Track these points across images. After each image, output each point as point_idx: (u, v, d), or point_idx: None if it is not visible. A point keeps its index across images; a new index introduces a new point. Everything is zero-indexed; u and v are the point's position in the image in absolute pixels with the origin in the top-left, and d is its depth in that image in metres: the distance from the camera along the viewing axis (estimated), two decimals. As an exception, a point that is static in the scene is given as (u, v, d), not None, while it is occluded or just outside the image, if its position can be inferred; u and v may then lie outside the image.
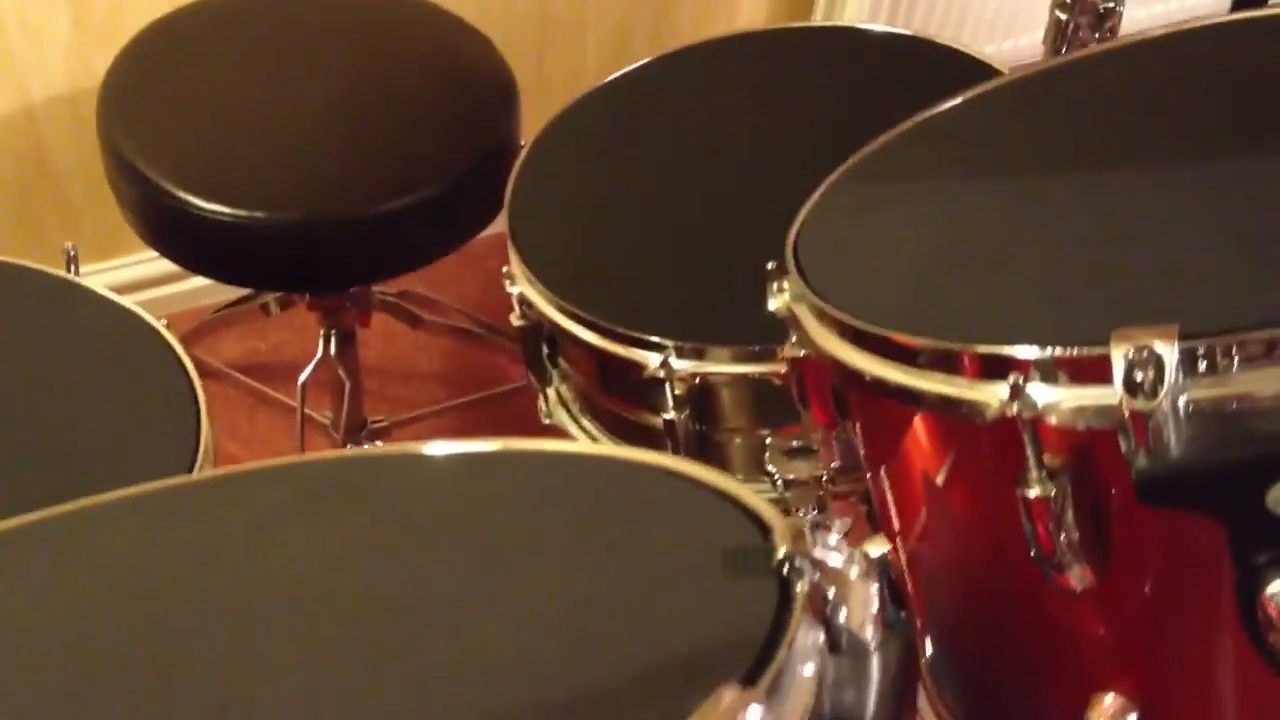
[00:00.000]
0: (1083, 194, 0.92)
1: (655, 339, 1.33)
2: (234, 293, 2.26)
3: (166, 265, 2.29)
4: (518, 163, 1.54)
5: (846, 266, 0.96)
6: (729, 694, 0.51)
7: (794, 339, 0.99)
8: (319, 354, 1.93)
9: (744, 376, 1.34)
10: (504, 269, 1.47)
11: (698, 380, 1.33)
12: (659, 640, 0.58)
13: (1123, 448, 0.75)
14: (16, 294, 1.45)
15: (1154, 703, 0.85)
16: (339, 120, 1.67)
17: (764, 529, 0.66)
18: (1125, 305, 0.79)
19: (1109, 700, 0.86)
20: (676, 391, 1.33)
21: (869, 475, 1.05)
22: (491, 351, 2.25)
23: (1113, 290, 0.81)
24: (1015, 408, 0.78)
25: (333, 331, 1.93)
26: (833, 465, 1.34)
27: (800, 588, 0.61)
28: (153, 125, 1.67)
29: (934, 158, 1.03)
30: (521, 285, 1.44)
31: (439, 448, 0.81)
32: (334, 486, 0.81)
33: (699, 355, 1.33)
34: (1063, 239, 0.89)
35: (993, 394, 0.80)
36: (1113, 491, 0.79)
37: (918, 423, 0.90)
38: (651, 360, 1.32)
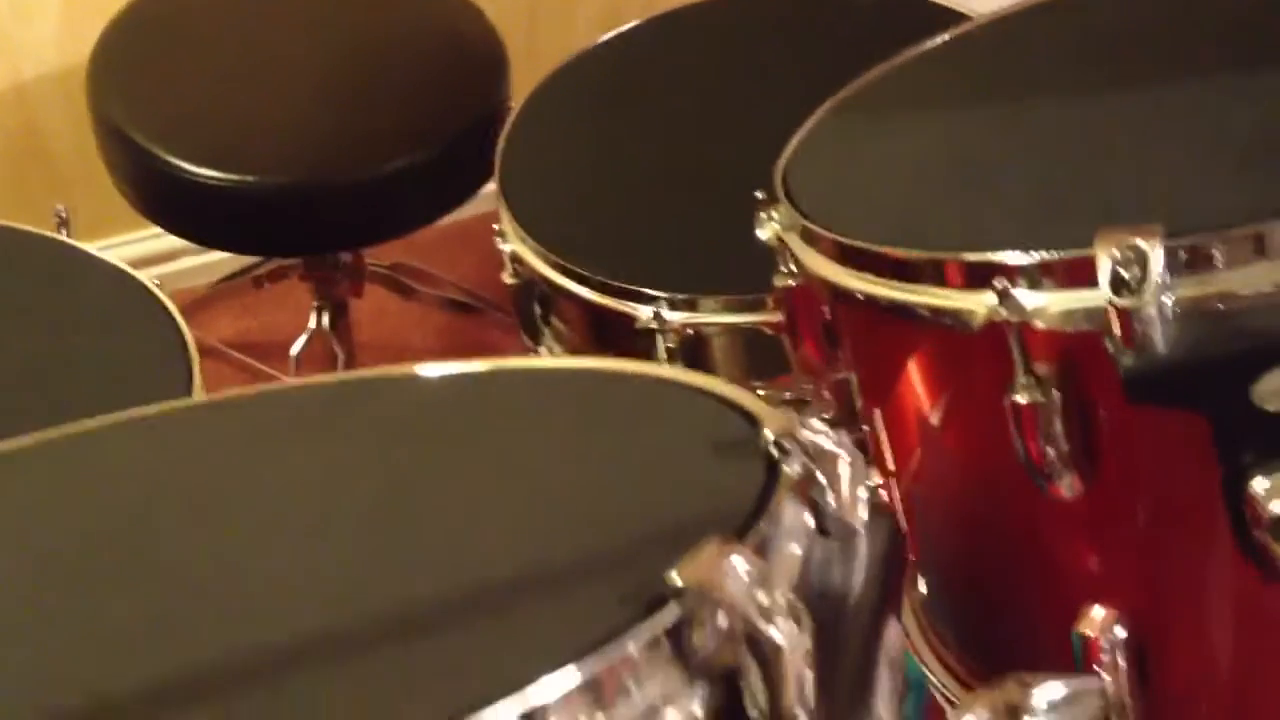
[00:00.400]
0: (1071, 116, 0.93)
1: (647, 290, 1.33)
2: (227, 270, 2.26)
3: (158, 244, 2.30)
4: (508, 122, 1.54)
5: (835, 191, 0.97)
6: (712, 545, 0.52)
7: (783, 269, 1.00)
8: (311, 326, 1.94)
9: (736, 327, 1.34)
10: (495, 226, 1.48)
11: (690, 332, 1.34)
12: (648, 515, 0.59)
13: (1109, 349, 0.76)
14: (6, 255, 1.45)
15: (1143, 613, 0.86)
16: (330, 86, 1.67)
17: (754, 422, 0.67)
18: (1112, 211, 0.79)
19: (1097, 612, 0.86)
20: (669, 344, 1.34)
21: (862, 414, 1.05)
22: (485, 326, 2.26)
23: (1099, 199, 0.82)
24: (1003, 313, 0.78)
25: (325, 304, 1.94)
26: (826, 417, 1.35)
27: (787, 468, 0.62)
28: (143, 92, 1.68)
29: (922, 89, 1.04)
30: (513, 243, 1.44)
31: (432, 369, 0.81)
32: (330, 403, 0.81)
33: (691, 306, 1.33)
34: (1051, 157, 0.89)
35: (981, 302, 0.80)
36: (1100, 397, 0.80)
37: (908, 342, 0.91)
38: (643, 312, 1.33)
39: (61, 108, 2.14)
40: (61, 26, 2.09)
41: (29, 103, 2.15)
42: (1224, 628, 0.85)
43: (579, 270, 1.38)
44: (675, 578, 0.51)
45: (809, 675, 0.51)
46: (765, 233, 0.99)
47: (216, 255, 2.29)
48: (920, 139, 0.98)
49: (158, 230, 2.17)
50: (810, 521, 0.63)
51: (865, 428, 1.06)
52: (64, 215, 1.51)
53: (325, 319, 1.94)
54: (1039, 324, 0.79)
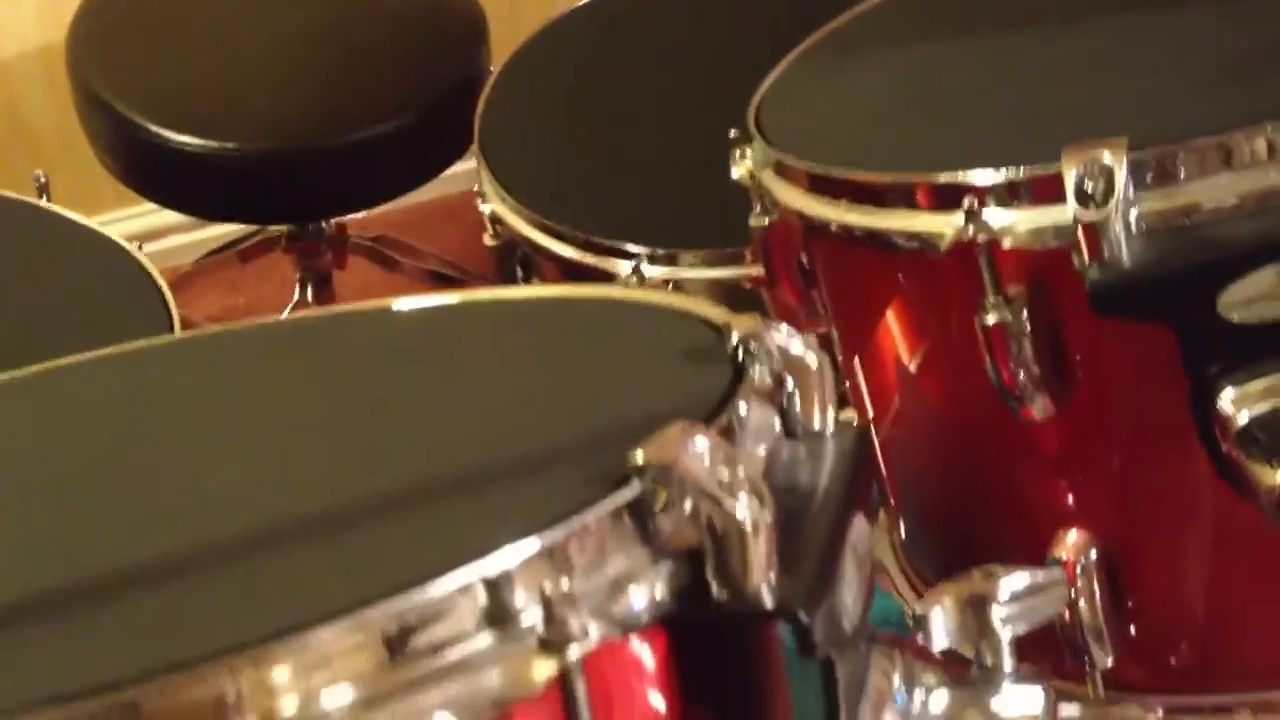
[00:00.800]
0: (1039, 49, 0.94)
1: (626, 246, 1.34)
2: (210, 247, 2.26)
3: (140, 223, 2.30)
4: (488, 84, 1.55)
5: (807, 127, 0.97)
6: (676, 427, 0.52)
7: (758, 209, 1.00)
8: (295, 298, 1.94)
9: (716, 281, 1.34)
10: (475, 188, 1.48)
11: (670, 287, 1.34)
12: (615, 412, 0.59)
13: (1076, 264, 0.76)
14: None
15: (1116, 535, 0.86)
16: (310, 52, 1.68)
17: (722, 332, 0.67)
18: (1079, 131, 0.80)
19: (1071, 535, 0.87)
20: (649, 299, 1.34)
21: (843, 368, 1.06)
22: (469, 300, 2.26)
23: (1067, 121, 0.83)
24: (971, 231, 0.79)
25: (309, 276, 1.94)
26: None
27: (754, 370, 0.62)
28: (123, 61, 1.68)
29: (892, 30, 1.05)
30: (493, 203, 1.45)
31: (405, 302, 0.82)
32: (305, 331, 0.82)
33: (671, 261, 1.33)
34: (1020, 86, 0.90)
35: (950, 223, 0.81)
36: (1069, 315, 0.81)
37: (881, 273, 0.91)
38: (623, 268, 1.33)
39: (42, 86, 2.14)
40: (42, 3, 2.09)
41: (10, 81, 2.15)
42: (1197, 546, 0.86)
43: (558, 228, 1.38)
44: (638, 456, 0.51)
45: (771, 553, 0.52)
46: (739, 171, 1.00)
47: (199, 234, 2.29)
48: (890, 76, 0.99)
49: (140, 209, 2.17)
50: (777, 423, 0.63)
51: (848, 383, 1.07)
52: (43, 181, 1.51)
53: (309, 291, 1.94)
54: (1007, 242, 0.79)
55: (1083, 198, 0.75)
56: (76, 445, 0.68)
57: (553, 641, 0.46)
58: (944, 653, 0.62)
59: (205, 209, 1.71)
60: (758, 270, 1.08)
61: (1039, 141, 0.82)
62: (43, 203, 1.48)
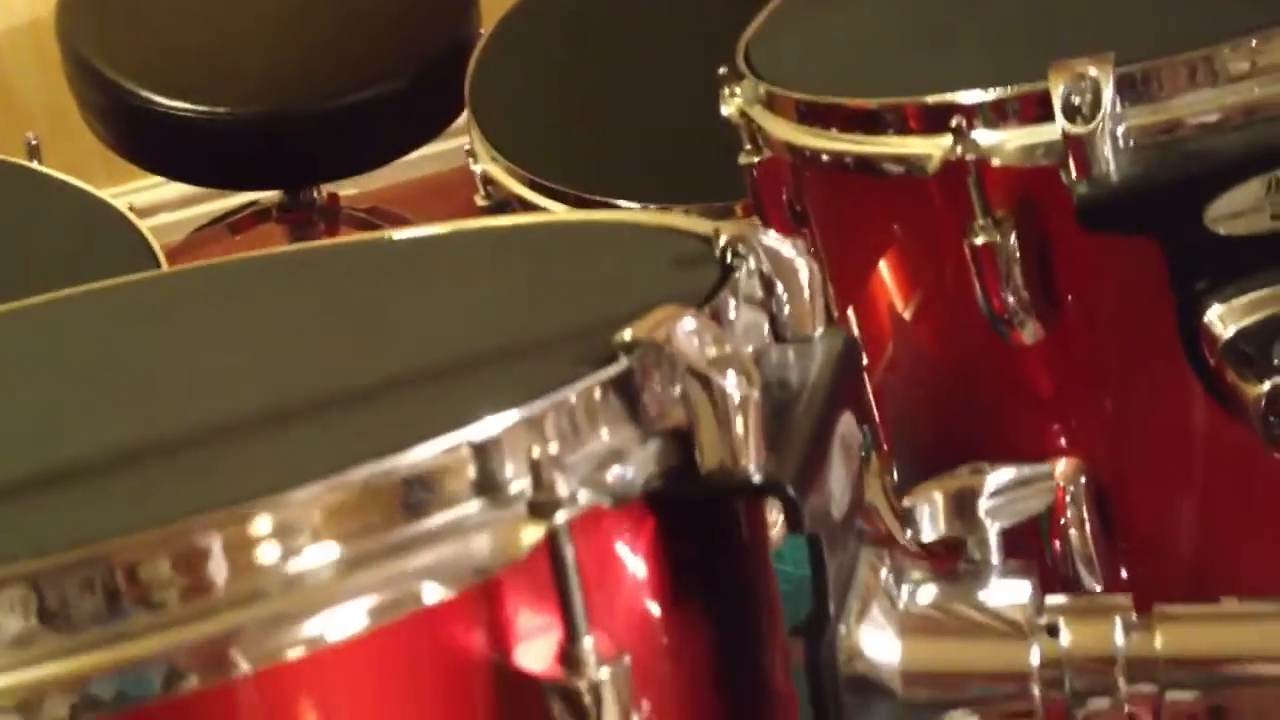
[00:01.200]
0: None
1: (619, 203, 1.34)
2: (201, 223, 2.26)
3: (130, 200, 2.30)
4: (479, 45, 1.55)
5: (796, 60, 0.98)
6: (664, 308, 0.52)
7: (748, 147, 1.00)
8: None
9: (706, 236, 1.35)
10: (465, 147, 1.48)
11: (660, 242, 1.34)
12: (604, 308, 0.59)
13: (1064, 179, 0.77)
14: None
15: (1106, 461, 0.87)
16: (301, 15, 1.68)
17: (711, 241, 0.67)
18: (1064, 51, 0.80)
19: (1061, 464, 0.87)
20: (640, 255, 1.34)
21: (834, 306, 1.06)
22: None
23: (1053, 43, 0.83)
24: (959, 150, 0.79)
25: (301, 247, 1.94)
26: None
27: (742, 270, 0.62)
28: (113, 27, 1.68)
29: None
30: (484, 163, 1.45)
31: (400, 233, 0.82)
32: (297, 257, 0.83)
33: (662, 216, 1.34)
34: (1006, 13, 0.90)
35: (939, 145, 0.81)
36: (1058, 236, 0.81)
37: (872, 203, 0.91)
38: (614, 224, 1.33)
39: (32, 61, 2.14)
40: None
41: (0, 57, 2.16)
42: (1187, 471, 0.86)
43: (550, 185, 1.39)
44: (626, 334, 0.52)
45: (759, 431, 0.52)
46: (729, 109, 1.00)
47: (190, 211, 2.29)
48: (878, 10, 0.99)
49: (130, 185, 2.17)
50: (766, 327, 0.63)
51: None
52: (34, 143, 1.51)
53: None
54: (996, 161, 0.79)
55: (1070, 113, 0.75)
56: (72, 348, 0.68)
57: (540, 505, 0.46)
58: (932, 553, 0.62)
59: (198, 175, 1.71)
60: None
61: (1026, 61, 0.82)
62: (35, 165, 1.49)
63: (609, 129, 1.46)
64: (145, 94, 1.60)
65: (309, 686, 0.44)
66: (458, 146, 1.82)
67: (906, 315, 0.97)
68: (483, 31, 1.58)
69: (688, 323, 0.52)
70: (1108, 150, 0.75)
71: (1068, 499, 0.88)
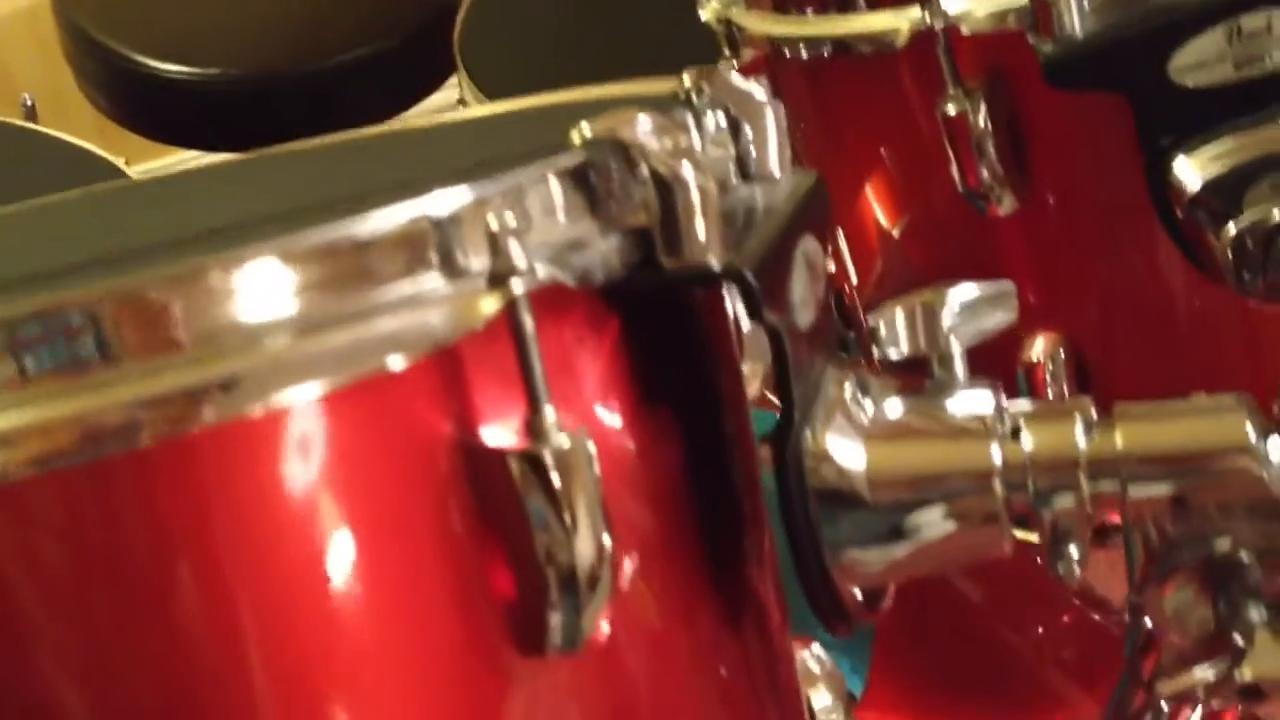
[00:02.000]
0: None
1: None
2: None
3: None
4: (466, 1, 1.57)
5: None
6: (623, 109, 0.53)
7: (726, 53, 1.01)
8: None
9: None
10: (456, 99, 1.50)
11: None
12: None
13: (1030, 40, 0.78)
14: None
15: (1085, 332, 0.87)
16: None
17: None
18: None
19: (1039, 340, 0.88)
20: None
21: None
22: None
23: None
24: (928, 19, 0.80)
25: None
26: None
27: (708, 115, 0.63)
28: (108, -5, 1.70)
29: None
30: (475, 111, 1.46)
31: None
32: (268, 156, 0.84)
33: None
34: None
35: (909, 16, 0.82)
36: (1027, 101, 0.82)
37: (849, 92, 0.93)
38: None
39: (29, 44, 2.16)
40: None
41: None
42: (1166, 339, 0.87)
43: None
44: (585, 129, 0.52)
45: (718, 223, 0.52)
46: (706, 13, 1.01)
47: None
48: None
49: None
50: (732, 168, 0.64)
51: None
52: (29, 103, 1.53)
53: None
54: (965, 29, 0.81)
55: (1031, -29, 0.76)
56: (52, 216, 0.70)
57: (498, 275, 0.47)
58: (898, 373, 0.63)
59: (192, 138, 1.72)
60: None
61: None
62: (31, 125, 1.50)
63: (598, 81, 1.47)
64: (139, 58, 1.62)
65: (266, 446, 0.44)
66: (451, 101, 1.83)
67: (886, 203, 0.98)
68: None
69: (646, 120, 0.53)
70: (1073, 8, 0.76)
71: (1048, 376, 0.88)
